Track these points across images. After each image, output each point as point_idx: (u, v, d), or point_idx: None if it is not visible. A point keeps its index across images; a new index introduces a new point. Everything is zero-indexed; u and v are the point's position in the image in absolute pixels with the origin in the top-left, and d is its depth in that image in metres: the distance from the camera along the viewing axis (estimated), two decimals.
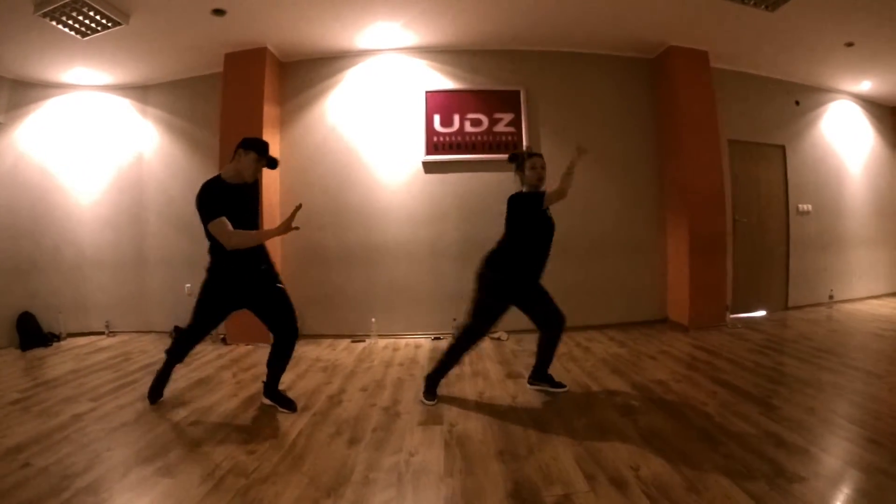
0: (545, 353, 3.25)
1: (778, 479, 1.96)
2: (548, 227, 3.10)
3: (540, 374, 3.29)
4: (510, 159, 3.26)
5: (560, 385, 3.24)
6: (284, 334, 3.05)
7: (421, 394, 3.15)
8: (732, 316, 5.15)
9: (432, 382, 3.16)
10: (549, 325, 3.18)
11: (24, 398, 3.48)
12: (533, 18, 4.61)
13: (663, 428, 2.52)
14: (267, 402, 3.16)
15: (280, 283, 3.08)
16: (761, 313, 5.64)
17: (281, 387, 3.35)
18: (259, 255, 3.01)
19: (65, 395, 3.51)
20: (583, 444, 2.38)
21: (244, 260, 2.92)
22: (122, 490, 2.11)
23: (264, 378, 3.18)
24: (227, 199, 2.82)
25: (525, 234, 3.07)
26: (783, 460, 2.12)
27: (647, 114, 5.40)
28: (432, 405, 3.03)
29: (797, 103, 6.11)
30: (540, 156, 3.16)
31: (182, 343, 3.21)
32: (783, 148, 5.97)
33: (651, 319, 5.28)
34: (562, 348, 4.35)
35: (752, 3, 4.14)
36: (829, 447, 2.28)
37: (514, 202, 3.11)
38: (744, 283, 5.55)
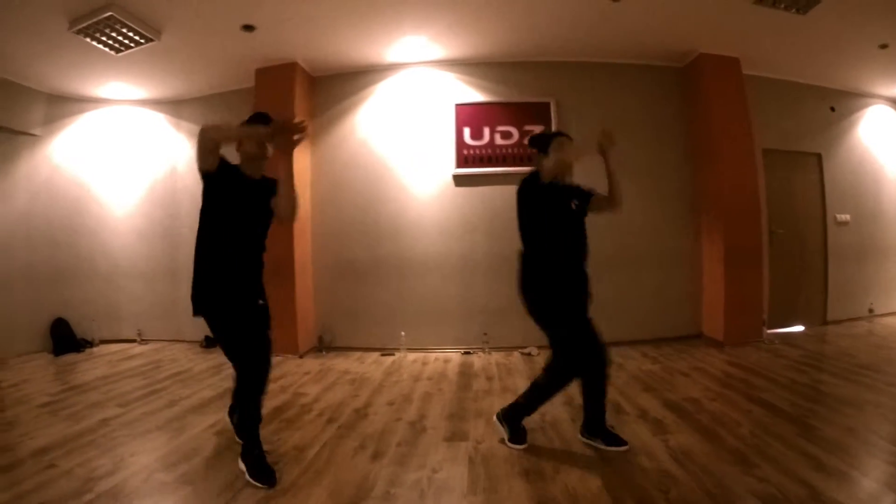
0: (592, 398, 2.61)
1: None
2: (573, 220, 2.61)
3: (593, 427, 2.60)
4: (531, 143, 2.80)
5: (621, 442, 2.52)
6: (266, 361, 2.56)
7: (507, 439, 2.60)
8: (769, 331, 4.96)
9: (515, 420, 2.63)
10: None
11: (53, 401, 3.57)
12: (561, 30, 4.57)
13: (695, 448, 2.43)
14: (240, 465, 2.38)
15: (269, 326, 2.59)
16: (799, 328, 5.43)
17: (306, 399, 3.34)
18: (256, 286, 2.54)
19: (94, 399, 3.59)
20: (611, 464, 2.31)
21: (238, 292, 2.44)
22: (142, 495, 2.13)
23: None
24: (235, 181, 2.38)
25: (547, 225, 2.57)
26: (820, 484, 2.01)
27: (679, 123, 5.28)
28: (520, 448, 2.53)
29: (832, 109, 5.91)
30: (570, 137, 2.71)
31: (243, 400, 2.45)
32: (819, 156, 5.78)
33: (685, 335, 5.12)
34: None
35: (782, 6, 4.02)
36: (870, 470, 2.16)
37: (530, 191, 2.58)
38: (781, 297, 5.36)
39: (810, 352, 4.43)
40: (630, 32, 4.63)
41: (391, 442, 2.69)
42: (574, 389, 3.49)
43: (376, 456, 2.50)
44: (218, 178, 2.33)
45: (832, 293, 5.71)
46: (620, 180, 2.73)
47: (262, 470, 2.25)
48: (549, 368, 2.62)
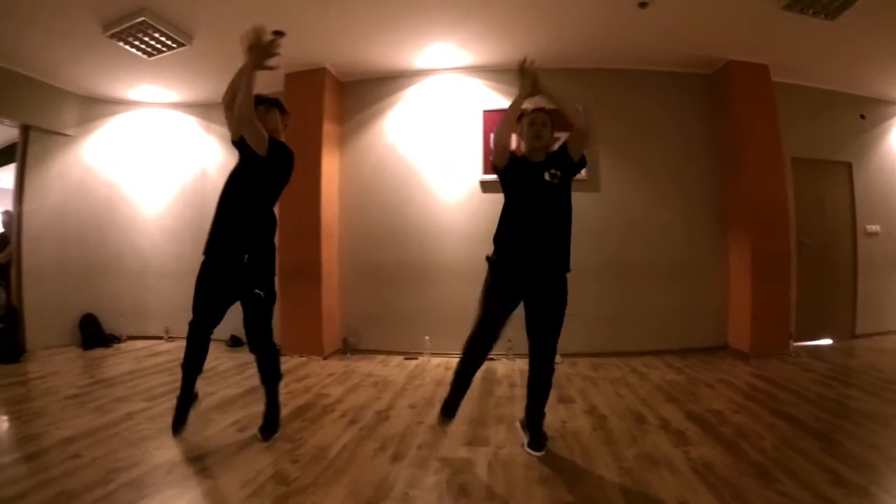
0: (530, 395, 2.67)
1: None
2: (546, 194, 2.54)
3: (528, 420, 2.70)
4: None
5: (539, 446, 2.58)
6: (254, 349, 2.84)
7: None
8: (796, 344, 4.87)
9: (447, 405, 2.69)
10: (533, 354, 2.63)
11: (80, 394, 3.66)
12: (589, 37, 4.56)
13: (716, 461, 2.39)
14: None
15: (260, 287, 2.74)
16: (827, 341, 5.31)
17: (329, 400, 3.41)
18: (242, 240, 2.69)
19: (120, 393, 3.68)
20: (630, 474, 2.29)
21: (222, 242, 2.69)
22: (164, 487, 2.18)
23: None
24: (247, 153, 2.71)
25: (512, 204, 2.64)
26: (841, 500, 1.97)
27: (707, 131, 5.21)
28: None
29: (863, 117, 5.77)
30: (542, 110, 2.70)
31: (188, 346, 2.86)
32: (849, 165, 5.65)
33: (711, 346, 5.04)
34: (616, 373, 4.24)
35: (811, 12, 3.95)
36: (892, 487, 2.11)
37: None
38: (808, 309, 5.24)
39: (837, 366, 4.33)
40: (658, 39, 4.59)
41: (412, 444, 2.70)
42: (597, 399, 3.51)
43: (396, 458, 2.52)
44: (239, 146, 2.78)
45: (861, 306, 5.57)
46: (570, 106, 2.68)
47: (178, 414, 2.76)
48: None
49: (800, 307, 5.15)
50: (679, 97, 5.24)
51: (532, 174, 2.59)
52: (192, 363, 2.86)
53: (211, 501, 2.06)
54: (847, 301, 5.55)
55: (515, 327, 4.88)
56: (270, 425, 2.81)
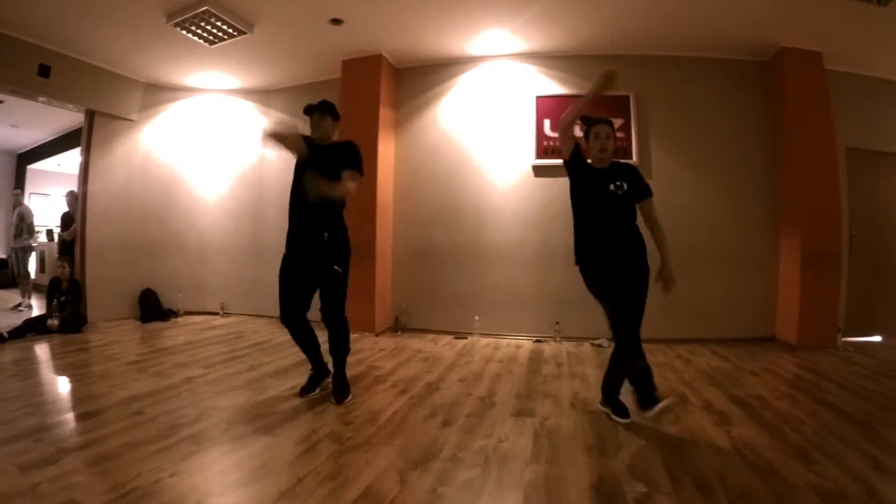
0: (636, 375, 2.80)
1: (870, 501, 1.85)
2: (609, 201, 2.69)
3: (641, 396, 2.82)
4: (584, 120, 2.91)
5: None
6: (328, 323, 3.01)
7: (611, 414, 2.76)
8: (844, 339, 4.75)
9: (610, 395, 2.79)
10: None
11: (140, 360, 3.90)
12: (642, 23, 4.55)
13: (757, 441, 2.42)
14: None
15: (338, 264, 2.94)
16: (877, 338, 5.16)
17: (381, 372, 3.59)
18: (323, 220, 2.93)
19: (179, 361, 3.90)
20: (672, 448, 2.34)
21: (304, 225, 2.93)
22: (222, 442, 2.34)
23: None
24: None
25: (582, 214, 2.77)
26: (878, 483, 1.98)
27: (760, 119, 5.11)
28: (625, 422, 2.67)
29: None
30: (607, 122, 2.80)
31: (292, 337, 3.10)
32: None
33: (758, 337, 4.98)
34: (661, 358, 4.25)
35: None
36: None
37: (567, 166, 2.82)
38: (859, 305, 5.09)
39: (885, 362, 4.21)
40: (712, 26, 4.55)
41: (460, 413, 2.81)
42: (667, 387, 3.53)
43: (445, 424, 2.64)
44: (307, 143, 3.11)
45: None
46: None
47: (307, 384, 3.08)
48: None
49: (850, 302, 5.02)
50: (732, 85, 5.16)
51: (598, 184, 2.73)
52: (304, 349, 3.11)
53: (268, 456, 2.19)
54: None
55: (566, 310, 4.86)
56: (342, 389, 3.00)
